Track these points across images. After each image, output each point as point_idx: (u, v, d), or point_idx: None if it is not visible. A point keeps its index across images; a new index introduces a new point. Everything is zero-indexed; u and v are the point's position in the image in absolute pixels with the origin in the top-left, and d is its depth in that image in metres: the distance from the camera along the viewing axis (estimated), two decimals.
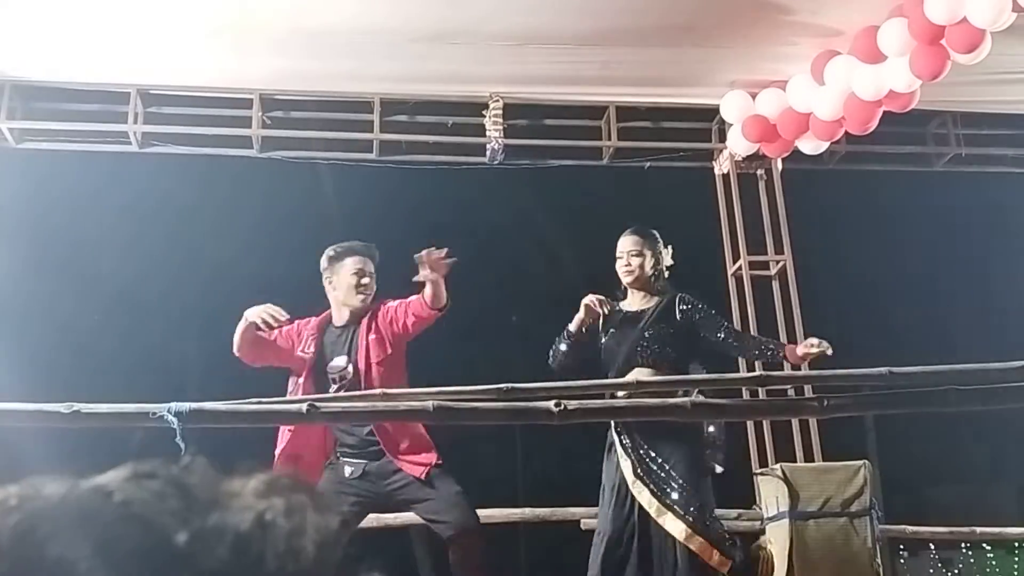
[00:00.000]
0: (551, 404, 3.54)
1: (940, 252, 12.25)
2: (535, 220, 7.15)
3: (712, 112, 7.09)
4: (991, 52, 5.65)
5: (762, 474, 5.88)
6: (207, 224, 8.19)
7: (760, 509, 5.79)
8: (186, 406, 3.37)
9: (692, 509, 4.54)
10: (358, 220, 7.43)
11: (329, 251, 4.88)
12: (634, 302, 5.12)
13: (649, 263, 5.08)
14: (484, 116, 6.88)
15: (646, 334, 4.92)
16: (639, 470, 4.54)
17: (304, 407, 3.39)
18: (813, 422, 6.26)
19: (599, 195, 7.40)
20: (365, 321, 4.67)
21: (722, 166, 7.27)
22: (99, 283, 7.85)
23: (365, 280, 4.78)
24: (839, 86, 6.18)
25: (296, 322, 4.73)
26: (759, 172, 7.20)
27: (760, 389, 5.73)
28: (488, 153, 6.91)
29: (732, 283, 7.02)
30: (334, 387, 4.50)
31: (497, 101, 6.84)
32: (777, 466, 5.73)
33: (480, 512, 5.29)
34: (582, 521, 5.97)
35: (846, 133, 6.71)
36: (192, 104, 6.95)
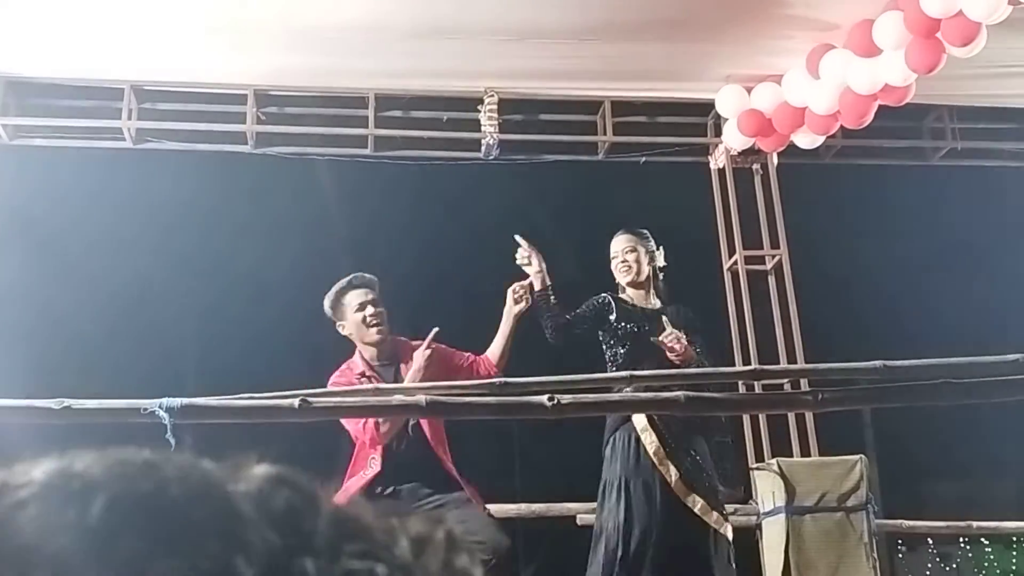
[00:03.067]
0: (544, 399, 3.52)
1: (936, 246, 12.25)
2: (530, 215, 7.13)
3: (708, 107, 7.07)
4: (987, 45, 5.64)
5: (758, 469, 5.87)
6: (202, 220, 8.18)
7: (756, 504, 5.79)
8: (177, 402, 3.36)
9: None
10: (353, 216, 7.41)
11: (327, 300, 4.72)
12: (635, 299, 5.07)
13: (645, 260, 5.07)
14: (479, 111, 6.87)
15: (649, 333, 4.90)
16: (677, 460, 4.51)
17: (296, 403, 3.37)
18: (809, 417, 6.25)
19: (594, 190, 7.39)
20: (405, 364, 4.54)
21: (718, 161, 7.26)
22: (94, 279, 7.83)
23: (370, 311, 4.62)
24: (835, 80, 6.17)
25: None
26: (755, 167, 7.20)
27: (755, 383, 5.73)
28: (483, 148, 6.90)
29: (728, 278, 7.01)
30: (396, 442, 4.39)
31: (492, 96, 6.82)
32: (773, 461, 5.72)
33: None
34: (578, 517, 5.96)
35: (842, 127, 6.69)
36: (187, 100, 6.94)
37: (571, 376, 3.86)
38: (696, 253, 7.28)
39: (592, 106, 7.15)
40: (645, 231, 5.25)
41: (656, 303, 5.04)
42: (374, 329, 4.57)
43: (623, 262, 5.11)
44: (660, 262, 5.18)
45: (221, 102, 6.94)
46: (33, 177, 6.93)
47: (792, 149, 6.98)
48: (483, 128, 6.84)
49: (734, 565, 4.58)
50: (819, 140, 6.86)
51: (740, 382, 5.75)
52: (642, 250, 5.09)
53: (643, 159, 7.13)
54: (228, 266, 8.16)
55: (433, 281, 7.43)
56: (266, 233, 8.44)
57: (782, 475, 5.55)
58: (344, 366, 4.60)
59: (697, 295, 7.20)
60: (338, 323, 4.70)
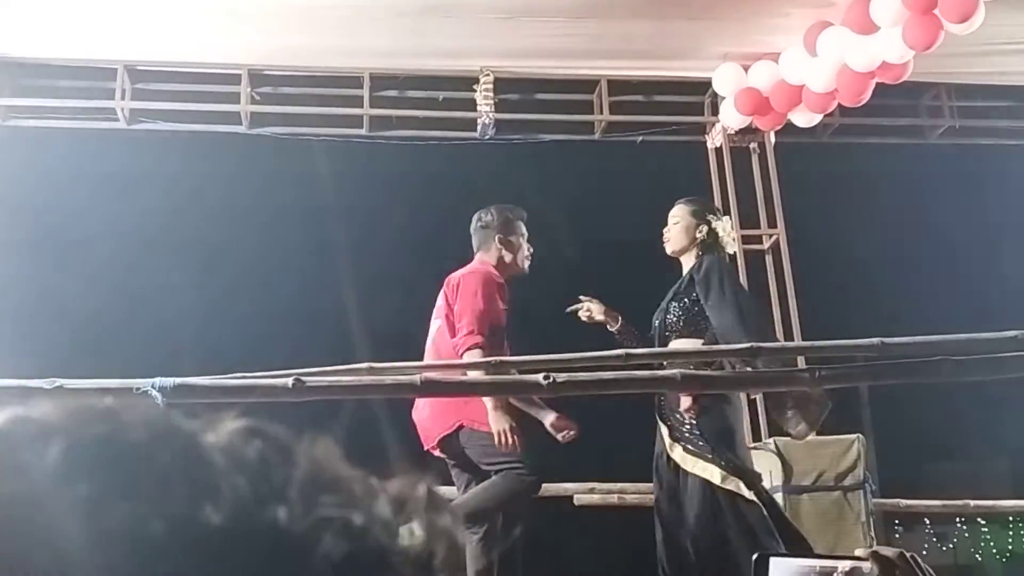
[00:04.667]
0: (540, 377, 3.51)
1: (934, 224, 12.23)
2: (526, 195, 7.10)
3: (704, 85, 7.04)
4: (985, 22, 5.61)
5: (755, 448, 5.87)
6: (196, 201, 8.15)
7: None
8: (170, 381, 3.34)
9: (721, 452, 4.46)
10: (348, 196, 7.38)
11: (505, 211, 4.96)
12: (684, 269, 5.00)
13: (689, 230, 4.98)
14: (475, 90, 6.83)
15: (673, 304, 4.86)
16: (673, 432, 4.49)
17: (290, 381, 3.36)
18: None
19: (591, 169, 7.36)
20: None
21: (715, 140, 7.23)
22: (86, 260, 7.81)
23: (530, 248, 4.97)
24: (832, 58, 6.13)
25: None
26: (752, 145, 7.17)
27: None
28: (479, 128, 6.86)
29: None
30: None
31: (488, 75, 6.78)
32: (771, 440, 5.72)
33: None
34: (575, 497, 5.96)
35: (839, 105, 6.67)
36: (181, 80, 6.90)
37: (567, 355, 3.84)
38: None
39: (588, 85, 7.11)
40: (704, 200, 5.21)
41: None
42: (527, 262, 4.92)
43: (666, 232, 5.06)
44: (727, 229, 5.08)
45: (215, 82, 6.90)
46: (27, 158, 6.88)
47: (789, 128, 6.95)
48: (479, 108, 6.80)
49: (763, 523, 4.36)
50: (816, 118, 6.82)
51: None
52: (690, 221, 5.00)
53: (640, 138, 7.10)
54: (223, 246, 8.13)
55: (429, 260, 7.40)
56: (261, 213, 8.40)
57: (779, 454, 5.55)
58: (489, 271, 4.77)
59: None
60: (501, 235, 4.87)
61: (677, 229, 4.99)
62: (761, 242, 6.98)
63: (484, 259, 4.89)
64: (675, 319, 4.79)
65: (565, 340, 4.65)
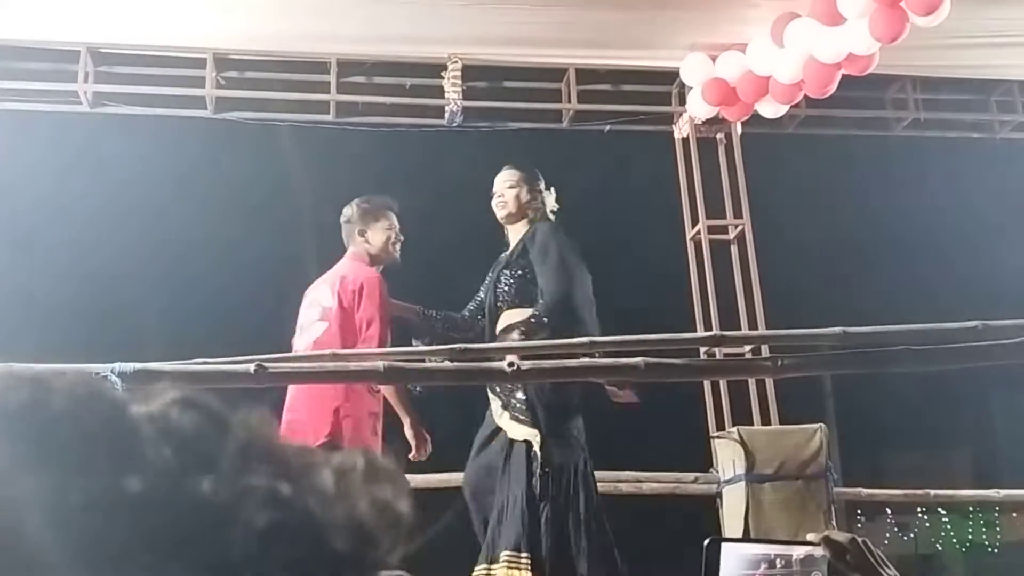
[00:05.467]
0: (504, 364, 3.50)
1: (899, 216, 12.33)
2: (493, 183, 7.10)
3: (672, 75, 7.04)
4: (950, 16, 5.64)
5: (719, 437, 5.90)
6: (161, 185, 8.08)
7: (717, 472, 5.82)
8: (130, 366, 3.31)
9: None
10: (315, 182, 7.34)
11: (360, 203, 4.97)
12: (512, 239, 5.06)
13: (524, 195, 5.03)
14: (443, 77, 6.80)
15: (504, 273, 4.88)
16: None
17: (252, 368, 3.33)
18: (770, 385, 6.28)
19: (559, 158, 7.35)
20: None
21: (682, 130, 7.24)
22: (51, 245, 7.72)
23: (399, 236, 4.95)
24: (799, 49, 6.15)
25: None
26: (718, 136, 7.18)
27: (717, 350, 5.73)
28: (447, 115, 6.84)
29: (691, 247, 7.02)
30: None
31: (456, 62, 6.75)
32: (734, 429, 5.75)
33: (441, 476, 5.30)
34: None
35: (806, 97, 6.69)
36: (145, 63, 6.81)
37: (532, 343, 3.84)
38: (659, 222, 7.29)
39: (557, 74, 7.10)
40: (535, 170, 5.21)
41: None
42: (396, 253, 4.92)
43: (500, 197, 5.08)
44: (552, 205, 5.15)
45: (180, 66, 6.82)
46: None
47: (756, 119, 6.97)
48: (447, 95, 6.77)
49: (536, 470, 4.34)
50: (783, 110, 6.85)
51: (702, 349, 5.76)
52: (524, 187, 5.04)
53: (607, 127, 7.10)
54: (188, 231, 8.07)
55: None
56: (227, 199, 8.33)
57: (743, 443, 5.58)
58: (375, 273, 4.76)
59: (660, 263, 7.23)
60: (358, 229, 4.90)
61: (513, 194, 5.04)
62: (727, 232, 7.00)
63: (354, 253, 4.92)
64: (507, 289, 4.83)
65: None
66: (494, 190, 5.11)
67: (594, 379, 3.73)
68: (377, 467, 0.56)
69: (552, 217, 5.10)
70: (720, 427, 6.24)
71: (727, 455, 5.70)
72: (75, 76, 6.61)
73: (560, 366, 3.63)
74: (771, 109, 6.81)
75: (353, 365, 3.59)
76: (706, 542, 1.51)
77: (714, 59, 6.71)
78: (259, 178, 7.59)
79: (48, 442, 0.49)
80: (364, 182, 7.37)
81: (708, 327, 6.54)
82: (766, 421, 6.32)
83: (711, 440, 5.99)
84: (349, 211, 5.00)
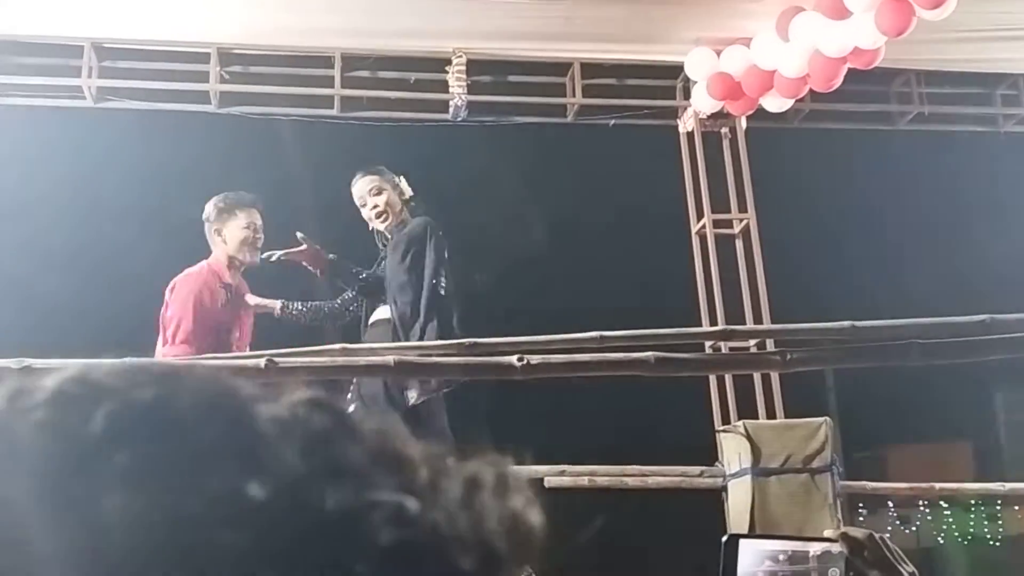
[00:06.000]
0: (514, 359, 3.50)
1: (903, 209, 12.34)
2: (498, 178, 7.09)
3: (677, 69, 7.03)
4: (956, 9, 5.64)
5: (724, 431, 5.91)
6: (166, 180, 8.07)
7: (722, 466, 5.82)
8: (139, 362, 3.30)
9: None
10: (319, 177, 7.32)
11: (218, 202, 4.92)
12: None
13: (395, 196, 5.01)
14: (447, 72, 6.79)
15: (386, 263, 4.93)
16: None
17: (262, 362, 3.33)
18: (775, 379, 6.27)
19: (563, 153, 7.35)
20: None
21: (686, 124, 7.23)
22: (56, 240, 7.72)
23: (259, 235, 4.89)
24: (804, 43, 6.14)
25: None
26: (723, 130, 7.17)
27: (722, 344, 5.74)
28: (451, 110, 6.83)
29: (696, 242, 7.01)
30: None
31: (460, 57, 6.74)
32: (739, 423, 5.76)
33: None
34: (546, 479, 5.97)
35: (810, 91, 6.68)
36: (149, 58, 6.80)
37: (540, 337, 3.84)
38: (664, 217, 7.28)
39: (561, 68, 7.09)
40: (382, 166, 5.17)
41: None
42: (252, 251, 4.87)
43: (374, 207, 5.01)
44: (407, 191, 5.13)
45: (184, 60, 6.81)
46: None
47: (761, 113, 6.96)
48: (451, 89, 6.76)
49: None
50: (788, 104, 6.84)
51: (707, 343, 5.77)
52: (389, 188, 5.01)
53: (612, 122, 7.09)
54: (191, 225, 8.05)
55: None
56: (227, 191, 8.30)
57: (748, 437, 5.59)
58: (202, 270, 4.76)
59: (665, 258, 7.22)
60: (214, 227, 4.85)
61: (386, 198, 5.04)
62: (731, 226, 6.99)
63: (214, 253, 4.90)
64: (380, 283, 4.94)
65: (537, 325, 4.66)
66: (358, 199, 5.04)
67: (603, 373, 3.73)
68: (507, 478, 0.54)
69: (411, 204, 5.04)
70: (725, 421, 6.23)
71: (732, 448, 5.70)
72: (79, 71, 6.60)
73: (571, 361, 3.63)
74: (776, 103, 6.81)
75: (364, 360, 3.60)
76: (724, 539, 1.51)
77: (719, 53, 6.70)
78: (263, 173, 7.55)
79: (173, 444, 0.47)
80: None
81: (714, 321, 6.53)
82: (771, 415, 6.31)
83: (716, 434, 6.00)
84: (208, 208, 4.92)
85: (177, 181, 7.98)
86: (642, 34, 6.73)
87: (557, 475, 5.92)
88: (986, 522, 18.81)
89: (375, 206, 4.95)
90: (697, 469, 5.98)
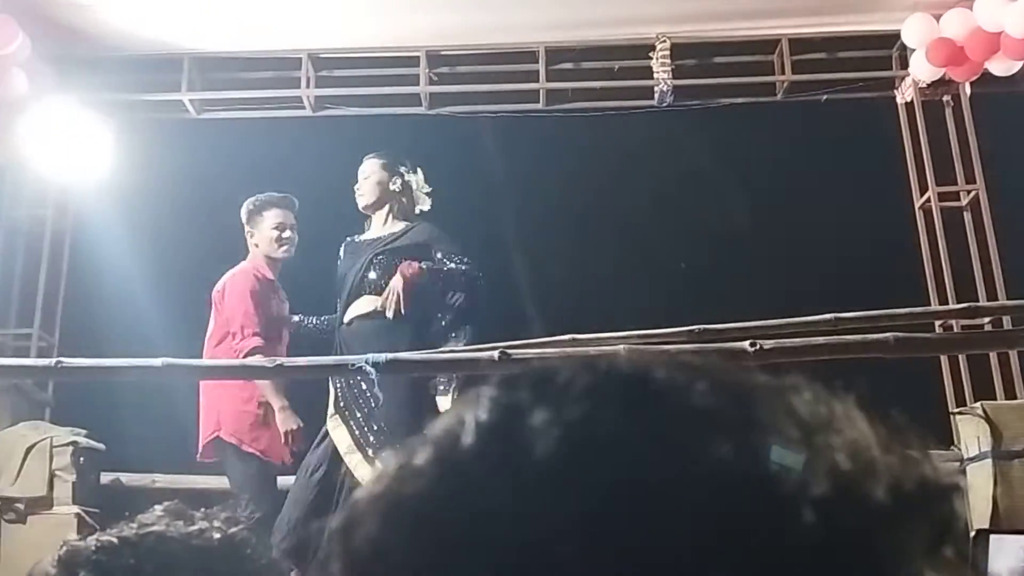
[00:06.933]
0: (746, 344, 3.44)
1: None
2: (706, 163, 6.98)
3: (892, 38, 6.74)
4: None
5: (960, 413, 5.63)
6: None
7: (959, 450, 5.56)
8: (382, 357, 3.42)
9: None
10: (522, 174, 7.37)
11: (248, 204, 5.09)
12: (374, 229, 5.06)
13: (378, 185, 5.02)
14: (651, 58, 6.74)
15: (374, 259, 4.86)
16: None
17: (496, 354, 3.38)
18: (1014, 357, 5.93)
19: (773, 132, 7.16)
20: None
21: (905, 94, 6.92)
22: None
23: (287, 233, 5.02)
24: None
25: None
26: (945, 98, 6.83)
27: (953, 322, 5.46)
28: (656, 95, 6.77)
29: (920, 216, 6.71)
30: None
31: (664, 41, 6.68)
32: (977, 404, 5.47)
33: None
34: None
35: None
36: (360, 66, 7.05)
37: (771, 320, 3.75)
38: (883, 192, 7.00)
39: (769, 45, 6.92)
40: (396, 155, 5.20)
41: (394, 228, 4.99)
42: (283, 248, 5.01)
43: (358, 188, 5.10)
44: (423, 187, 5.08)
45: (393, 65, 7.02)
46: (215, 150, 7.14)
47: (986, 77, 6.59)
48: (656, 75, 6.71)
49: None
50: (1016, 66, 6.44)
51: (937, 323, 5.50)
52: (379, 175, 5.02)
53: (824, 97, 6.86)
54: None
55: (606, 235, 7.35)
56: (439, 193, 8.48)
57: (987, 419, 5.31)
58: (247, 269, 4.98)
59: (885, 234, 6.93)
60: (247, 229, 5.08)
61: (369, 184, 5.05)
62: (959, 199, 6.66)
63: (251, 253, 5.07)
64: (376, 277, 4.82)
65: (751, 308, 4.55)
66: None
67: (840, 356, 3.61)
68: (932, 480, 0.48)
69: (425, 196, 5.08)
70: (960, 403, 5.95)
71: (970, 431, 5.42)
72: (297, 82, 6.89)
73: (806, 344, 3.53)
74: (1003, 66, 6.43)
75: (593, 350, 3.60)
76: (974, 533, 1.44)
77: (938, 18, 6.39)
78: (466, 173, 7.66)
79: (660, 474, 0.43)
80: (574, 169, 7.39)
81: (943, 299, 6.24)
82: (1010, 395, 5.98)
83: (951, 416, 5.72)
84: (241, 211, 5.12)
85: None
86: (853, 4, 6.50)
87: None
88: None
89: (359, 187, 5.12)
90: (932, 454, 5.72)
